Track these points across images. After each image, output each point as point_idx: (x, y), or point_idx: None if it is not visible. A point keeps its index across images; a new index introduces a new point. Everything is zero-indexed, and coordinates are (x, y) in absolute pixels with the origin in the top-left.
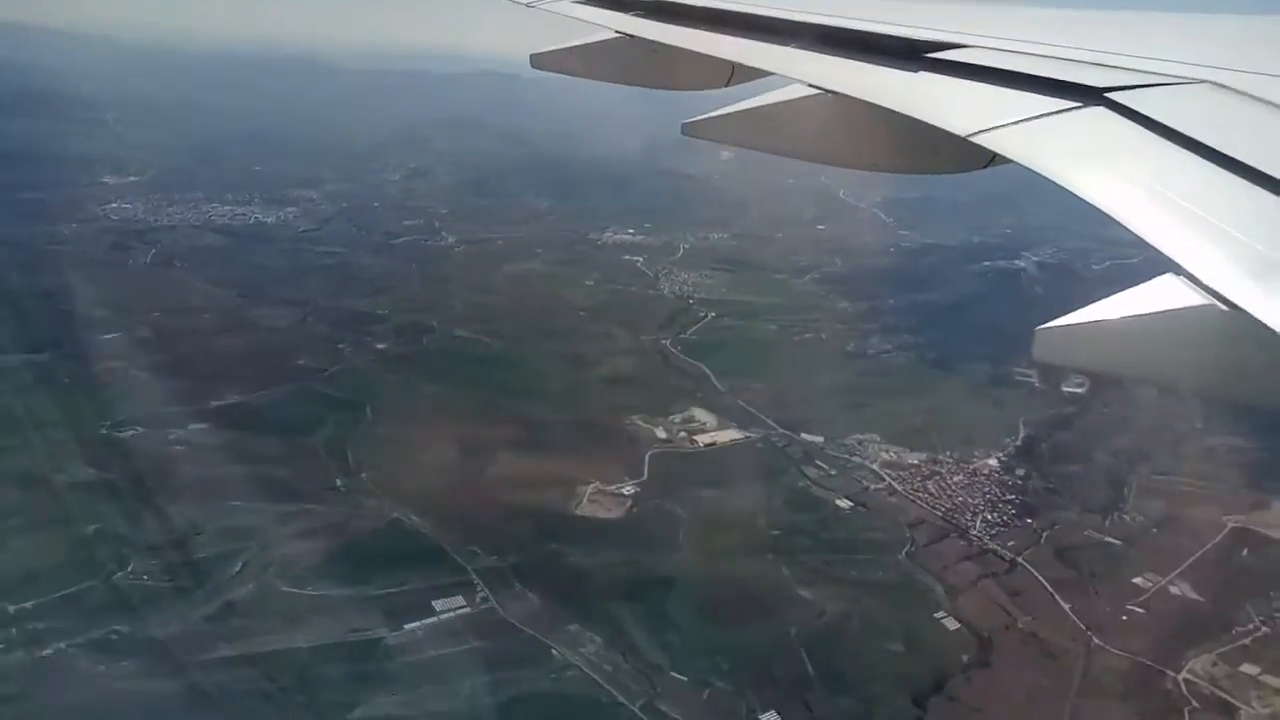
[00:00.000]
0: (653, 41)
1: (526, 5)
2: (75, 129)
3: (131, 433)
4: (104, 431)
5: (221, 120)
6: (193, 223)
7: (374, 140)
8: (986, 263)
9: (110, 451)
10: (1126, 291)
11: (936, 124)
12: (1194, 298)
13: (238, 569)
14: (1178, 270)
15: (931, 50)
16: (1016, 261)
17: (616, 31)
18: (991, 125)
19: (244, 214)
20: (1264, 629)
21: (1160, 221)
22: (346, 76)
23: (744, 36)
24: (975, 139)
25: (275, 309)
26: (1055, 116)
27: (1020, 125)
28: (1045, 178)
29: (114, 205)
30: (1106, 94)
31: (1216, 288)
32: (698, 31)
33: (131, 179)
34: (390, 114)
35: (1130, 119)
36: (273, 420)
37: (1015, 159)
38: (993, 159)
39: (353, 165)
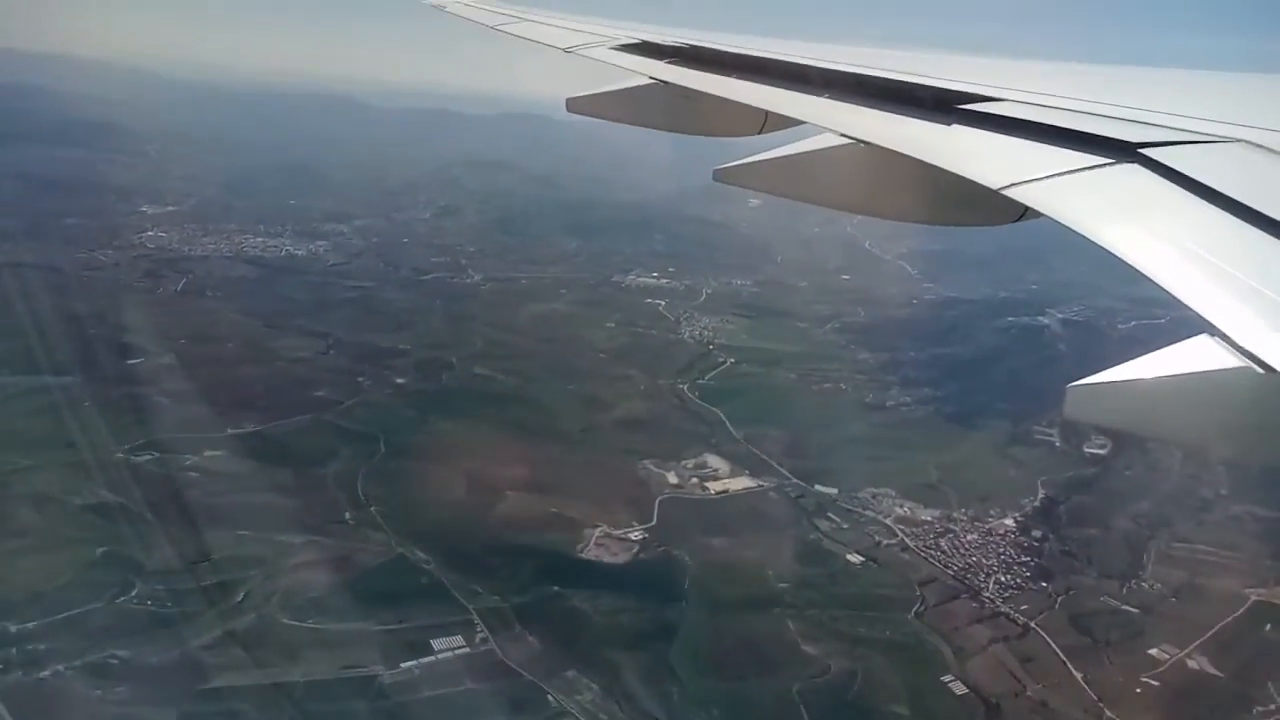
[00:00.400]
0: (687, 88)
1: (565, 51)
2: (119, 159)
3: (148, 457)
4: (121, 455)
5: (259, 154)
6: (225, 253)
7: (406, 178)
8: (1010, 318)
9: (126, 475)
10: (1160, 351)
11: (969, 176)
12: (1230, 359)
13: (240, 598)
14: (1210, 331)
15: (965, 102)
16: (1040, 318)
17: (651, 78)
18: (1024, 179)
19: (275, 246)
20: None
21: (1194, 280)
22: (382, 115)
23: (778, 85)
24: (1007, 192)
25: (299, 340)
26: (1089, 172)
27: (1053, 179)
28: (1076, 233)
29: (150, 233)
30: (1140, 150)
31: (1252, 349)
32: (732, 80)
33: (169, 209)
34: (423, 153)
35: (1164, 175)
36: (287, 450)
37: (1048, 213)
38: (1025, 213)
39: (385, 202)
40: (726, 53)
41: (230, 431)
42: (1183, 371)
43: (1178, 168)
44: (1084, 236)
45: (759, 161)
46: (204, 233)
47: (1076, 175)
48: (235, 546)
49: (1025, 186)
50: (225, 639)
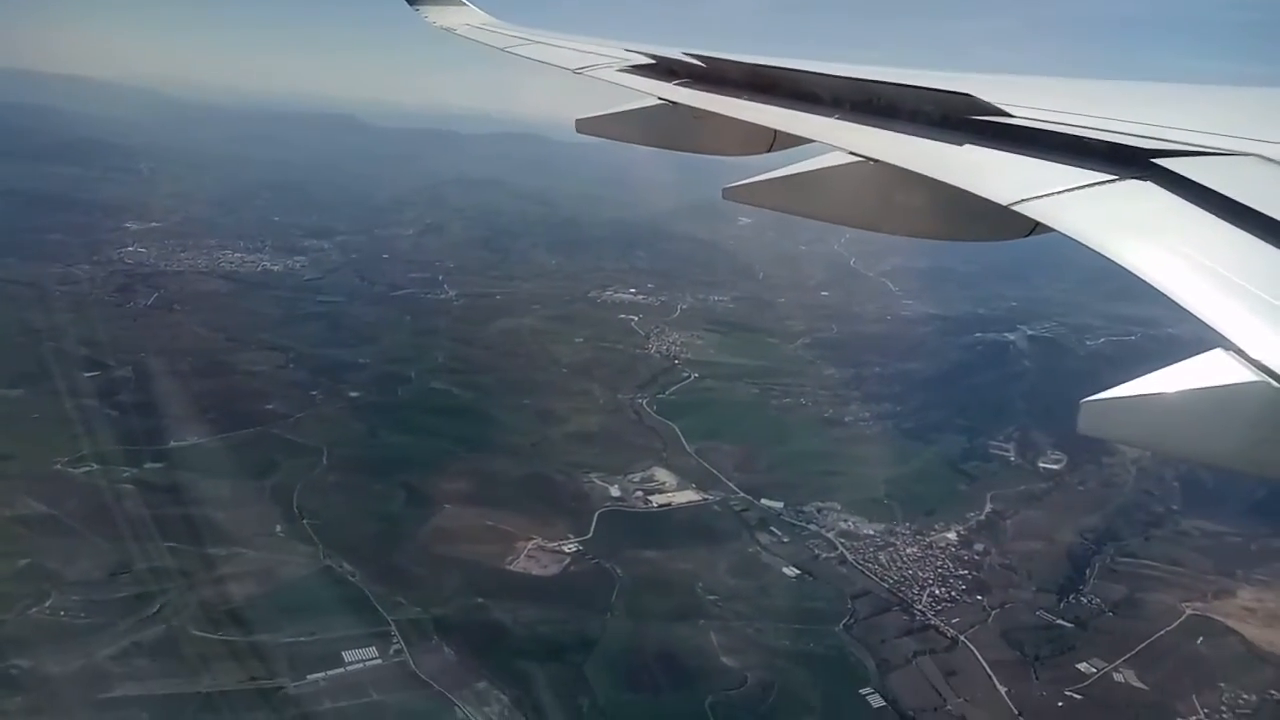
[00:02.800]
0: (695, 108)
1: (574, 72)
2: (111, 176)
3: (86, 470)
4: (59, 467)
5: (251, 172)
6: (201, 268)
7: (395, 195)
8: (978, 334)
9: (61, 487)
10: (1174, 366)
11: (978, 193)
12: (1246, 373)
13: (155, 610)
14: (1224, 345)
15: (976, 114)
16: (1008, 335)
17: (660, 99)
18: (1035, 194)
19: (253, 261)
20: None
21: (1206, 293)
22: (381, 134)
23: (786, 105)
24: (1018, 208)
25: (259, 354)
26: (1100, 186)
27: (1064, 195)
28: (1079, 249)
29: (130, 249)
30: (1153, 163)
31: (1268, 363)
32: (740, 100)
33: (153, 225)
34: (416, 171)
35: (1176, 190)
36: (228, 463)
37: (1058, 228)
38: (1035, 227)
39: (370, 218)
40: (734, 73)
41: (174, 444)
42: (1198, 386)
43: (1192, 179)
44: (1094, 251)
45: (767, 180)
46: (183, 249)
47: (1088, 190)
48: (159, 558)
49: (1036, 202)
50: (132, 650)
